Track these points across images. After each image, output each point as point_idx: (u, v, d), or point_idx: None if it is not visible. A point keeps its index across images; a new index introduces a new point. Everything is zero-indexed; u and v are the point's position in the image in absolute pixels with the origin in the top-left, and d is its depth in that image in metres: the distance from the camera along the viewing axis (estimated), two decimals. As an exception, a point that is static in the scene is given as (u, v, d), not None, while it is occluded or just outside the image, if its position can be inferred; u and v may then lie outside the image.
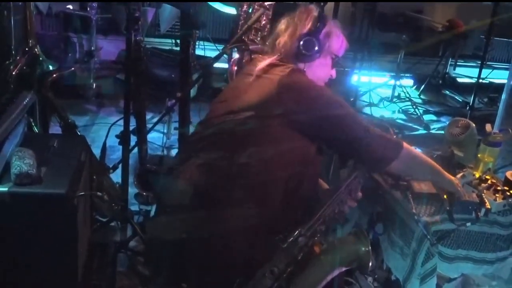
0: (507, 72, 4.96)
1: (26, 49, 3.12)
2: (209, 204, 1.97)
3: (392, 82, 6.22)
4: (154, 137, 4.28)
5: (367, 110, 5.77)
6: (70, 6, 5.12)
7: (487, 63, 6.30)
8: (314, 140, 2.06)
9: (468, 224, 2.17)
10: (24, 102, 2.78)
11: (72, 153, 2.48)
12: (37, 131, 3.03)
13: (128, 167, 2.90)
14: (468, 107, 5.63)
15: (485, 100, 6.43)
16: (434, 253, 2.16)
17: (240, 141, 1.98)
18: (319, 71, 2.20)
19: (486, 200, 2.20)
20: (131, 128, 2.89)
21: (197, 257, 1.98)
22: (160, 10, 5.15)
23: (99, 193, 2.67)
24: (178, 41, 5.85)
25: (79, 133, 3.23)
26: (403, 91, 6.23)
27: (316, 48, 2.12)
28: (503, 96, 4.79)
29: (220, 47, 5.38)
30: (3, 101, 2.73)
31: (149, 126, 3.28)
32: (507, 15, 5.70)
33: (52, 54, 4.67)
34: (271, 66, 2.12)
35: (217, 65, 2.97)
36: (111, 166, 3.21)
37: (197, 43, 5.35)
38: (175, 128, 3.87)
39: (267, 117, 1.97)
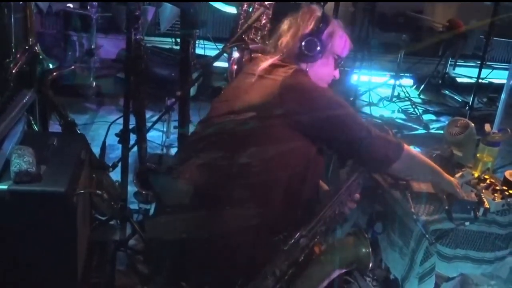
0: (506, 72, 4.97)
1: (26, 47, 3.12)
2: (209, 204, 1.97)
3: (392, 81, 6.23)
4: (154, 135, 4.28)
5: (366, 109, 5.78)
6: (70, 5, 5.12)
7: (487, 63, 6.31)
8: (315, 140, 2.06)
9: (467, 223, 2.18)
10: (24, 100, 2.79)
11: (71, 151, 2.48)
12: (36, 129, 3.03)
13: (128, 166, 2.90)
14: (467, 107, 5.63)
15: (485, 100, 6.44)
16: (433, 252, 2.17)
17: (241, 141, 1.98)
18: (321, 71, 2.19)
19: (485, 200, 2.21)
20: (130, 126, 2.89)
21: (197, 256, 1.98)
22: (160, 9, 5.14)
23: (98, 192, 2.67)
24: (178, 40, 5.87)
25: (78, 132, 3.23)
26: (402, 90, 6.24)
27: (318, 48, 2.12)
28: (503, 96, 4.79)
29: (220, 46, 5.37)
30: (3, 99, 2.73)
31: (148, 124, 3.29)
32: (507, 15, 5.72)
33: (52, 53, 4.68)
34: (273, 66, 2.11)
35: (217, 64, 2.97)
36: (110, 164, 3.21)
37: (197, 42, 5.35)
38: (174, 127, 3.87)
39: (268, 118, 1.97)
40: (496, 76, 6.78)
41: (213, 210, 1.96)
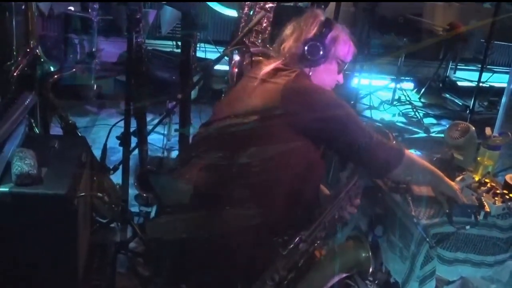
0: (507, 76, 4.98)
1: (28, 50, 3.13)
2: (210, 206, 1.98)
3: (392, 85, 6.23)
4: (154, 138, 4.29)
5: (367, 113, 5.78)
6: (72, 8, 5.13)
7: (488, 66, 6.31)
8: (317, 143, 2.06)
9: (467, 227, 2.18)
10: (26, 103, 2.79)
11: (72, 154, 2.49)
12: (37, 132, 3.03)
13: (129, 168, 2.91)
14: (468, 111, 5.64)
15: (485, 103, 6.44)
16: (433, 256, 2.17)
17: (244, 143, 1.98)
18: (324, 76, 2.19)
19: (486, 203, 2.21)
20: (131, 129, 2.89)
21: (197, 257, 1.99)
22: (161, 12, 5.16)
23: (99, 194, 2.67)
24: (179, 43, 5.88)
25: (79, 134, 3.24)
26: (403, 94, 6.24)
27: (321, 53, 2.12)
28: (503, 100, 4.80)
29: (221, 49, 5.39)
30: (4, 102, 2.74)
31: (149, 127, 3.29)
32: (508, 19, 5.73)
33: (53, 55, 4.68)
34: (276, 70, 2.12)
35: (217, 67, 2.97)
36: (111, 167, 3.22)
37: (198, 45, 5.36)
38: (175, 130, 3.88)
39: (271, 121, 1.97)
40: (496, 79, 6.79)
41: (215, 211, 1.96)
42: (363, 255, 2.07)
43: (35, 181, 2.17)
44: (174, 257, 2.05)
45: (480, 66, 5.58)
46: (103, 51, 5.38)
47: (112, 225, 3.09)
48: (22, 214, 2.16)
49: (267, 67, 2.14)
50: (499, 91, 5.61)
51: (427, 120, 5.91)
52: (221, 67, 4.63)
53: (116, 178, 3.16)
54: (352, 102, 5.47)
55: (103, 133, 4.22)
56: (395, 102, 6.19)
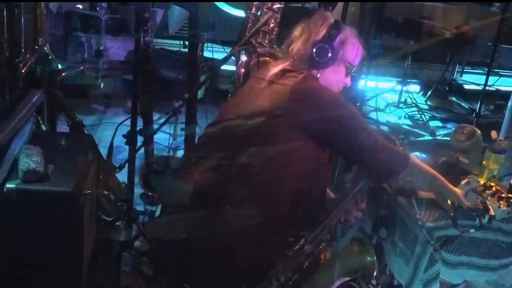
0: (514, 80, 4.97)
1: (36, 48, 3.15)
2: (215, 206, 1.98)
3: (398, 87, 6.23)
4: (160, 138, 4.30)
5: (373, 115, 5.77)
6: (80, 6, 5.15)
7: (494, 70, 6.30)
8: (324, 145, 2.06)
9: (472, 230, 2.18)
10: (33, 100, 2.81)
11: (79, 151, 2.50)
12: (44, 130, 3.05)
13: (135, 167, 2.91)
14: (474, 114, 5.63)
15: (492, 107, 6.42)
16: (437, 259, 2.17)
17: (251, 144, 1.98)
18: (332, 78, 2.19)
19: (490, 207, 2.21)
20: (137, 128, 2.90)
21: (200, 257, 1.99)
22: (168, 11, 5.16)
23: (105, 192, 2.68)
24: (186, 42, 5.89)
25: (86, 132, 3.25)
26: (409, 96, 6.23)
27: (330, 55, 2.12)
28: (510, 104, 4.77)
29: (228, 49, 5.39)
30: (12, 99, 2.75)
31: (155, 126, 3.30)
32: None
33: (60, 54, 4.70)
34: (284, 71, 2.12)
35: (224, 67, 2.97)
36: (117, 166, 3.22)
37: (205, 45, 5.37)
38: (181, 129, 3.89)
39: (278, 122, 1.98)
40: (503, 83, 6.77)
41: (219, 211, 1.97)
42: (368, 259, 2.08)
43: (42, 178, 2.19)
44: (177, 257, 2.05)
45: (486, 69, 5.57)
46: (110, 50, 5.40)
47: (117, 223, 3.09)
48: (28, 211, 2.17)
49: (275, 68, 2.14)
50: (505, 95, 5.60)
51: (433, 123, 5.89)
52: (228, 67, 4.65)
53: (122, 176, 3.17)
54: (358, 104, 5.46)
55: (109, 132, 4.23)
56: (401, 105, 6.18)
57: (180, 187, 2.09)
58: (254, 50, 2.62)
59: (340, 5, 3.91)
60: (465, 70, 7.12)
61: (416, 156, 2.50)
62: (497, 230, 2.26)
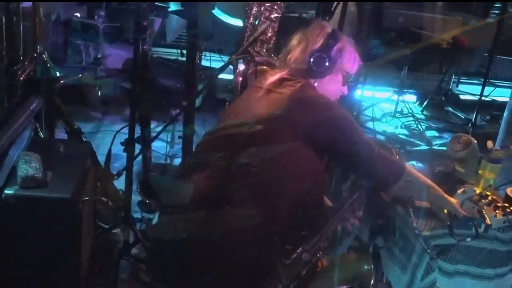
0: (509, 90, 5.00)
1: (34, 55, 3.16)
2: (215, 209, 1.98)
3: (395, 97, 6.25)
4: (158, 146, 4.30)
5: (370, 124, 5.79)
6: (78, 14, 5.17)
7: (490, 80, 6.33)
8: (321, 153, 2.07)
9: (468, 239, 2.19)
10: (32, 107, 2.81)
11: (78, 158, 2.51)
12: (42, 136, 3.06)
13: (132, 174, 2.93)
14: (470, 124, 5.65)
15: (488, 117, 6.45)
16: (434, 268, 2.18)
17: (249, 151, 1.99)
18: (329, 87, 2.20)
19: (487, 216, 2.22)
20: (135, 136, 2.91)
21: (202, 258, 1.99)
22: (166, 20, 5.19)
23: (103, 199, 2.69)
24: (184, 51, 5.91)
25: (84, 139, 3.26)
26: (406, 106, 6.26)
27: (327, 64, 2.14)
28: (505, 114, 4.81)
29: (226, 58, 5.42)
30: (11, 106, 2.76)
31: (152, 134, 3.30)
32: (511, 34, 5.75)
33: (58, 61, 4.71)
34: (281, 80, 2.13)
35: (222, 76, 3.00)
36: (114, 173, 3.23)
37: (203, 54, 5.39)
38: (179, 137, 3.89)
39: (276, 129, 1.99)
40: (499, 94, 6.81)
41: (219, 215, 1.97)
42: (365, 267, 2.09)
43: (40, 184, 2.19)
44: (175, 259, 2.05)
45: (482, 80, 5.60)
46: (108, 58, 5.42)
47: (115, 231, 3.10)
48: (27, 217, 2.17)
49: (273, 77, 2.15)
50: (501, 105, 5.63)
51: (429, 133, 5.92)
52: (225, 76, 4.67)
53: (119, 184, 3.18)
54: (354, 114, 5.49)
55: (107, 139, 4.24)
56: (397, 114, 6.21)
57: (178, 188, 2.10)
58: (252, 59, 2.64)
59: (337, 14, 3.94)
60: (461, 80, 7.16)
61: (413, 166, 2.52)
62: (493, 239, 2.27)
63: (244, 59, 2.79)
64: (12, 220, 2.16)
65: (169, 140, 4.40)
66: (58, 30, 5.18)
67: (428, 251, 2.13)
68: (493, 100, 6.63)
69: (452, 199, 2.26)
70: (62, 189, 2.21)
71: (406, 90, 6.43)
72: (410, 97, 6.73)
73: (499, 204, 2.34)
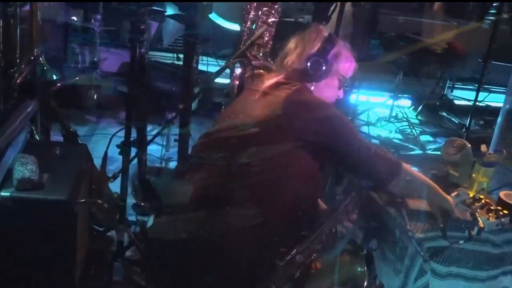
0: (503, 96, 5.03)
1: (31, 58, 3.17)
2: (213, 209, 2.00)
3: (390, 102, 6.28)
4: (153, 149, 4.31)
5: (364, 129, 5.81)
6: (74, 18, 5.17)
7: (484, 86, 6.36)
8: (317, 155, 2.09)
9: (461, 242, 2.21)
10: (28, 110, 2.82)
11: (74, 160, 2.52)
12: (38, 139, 3.06)
13: (128, 177, 2.93)
14: (464, 129, 5.67)
15: (481, 122, 6.48)
16: (427, 270, 2.19)
17: (245, 153, 2.01)
18: (325, 91, 2.23)
19: (479, 219, 2.24)
20: (131, 139, 2.92)
21: (198, 259, 2.00)
22: (163, 24, 5.20)
23: (99, 201, 2.70)
24: (180, 55, 5.92)
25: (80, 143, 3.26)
26: (400, 111, 6.28)
27: (324, 69, 2.16)
28: (499, 119, 4.84)
29: (222, 62, 5.43)
30: (7, 108, 2.77)
31: (148, 138, 3.31)
32: (505, 40, 5.78)
33: (54, 64, 4.71)
34: (278, 84, 2.15)
35: (217, 80, 3.02)
36: (110, 176, 3.24)
37: (200, 58, 5.40)
38: (175, 140, 3.91)
39: (272, 131, 2.01)
40: (493, 99, 6.84)
41: (214, 213, 1.98)
42: (359, 269, 2.10)
43: (36, 186, 2.20)
44: (175, 259, 2.06)
45: (477, 85, 5.62)
46: (103, 61, 5.42)
47: (109, 233, 3.10)
48: (23, 219, 2.18)
49: (269, 81, 2.18)
50: (495, 111, 5.66)
51: (424, 138, 5.94)
52: (221, 80, 4.68)
53: (114, 187, 3.18)
54: (349, 118, 5.50)
55: (102, 143, 4.24)
56: (392, 119, 6.23)
57: (178, 188, 2.11)
58: (249, 62, 2.65)
59: (334, 19, 3.95)
60: (455, 85, 7.19)
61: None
62: (486, 241, 2.29)
63: (241, 63, 2.80)
64: (8, 222, 2.17)
65: (164, 143, 4.41)
66: (55, 34, 5.18)
67: (422, 253, 2.14)
68: (487, 106, 6.66)
69: (448, 197, 2.28)
70: (58, 191, 2.22)
71: (401, 95, 6.45)
72: (405, 102, 6.75)
73: (492, 207, 2.35)
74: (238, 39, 4.06)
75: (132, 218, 3.29)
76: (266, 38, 3.43)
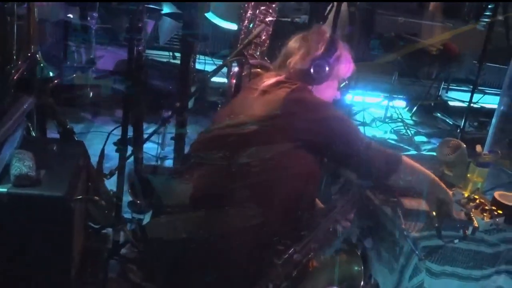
0: (497, 98, 5.06)
1: (28, 54, 3.17)
2: (211, 208, 2.01)
3: (385, 102, 6.30)
4: (148, 147, 4.30)
5: (360, 129, 5.81)
6: (71, 15, 5.17)
7: (479, 87, 6.39)
8: (317, 152, 2.10)
9: (456, 241, 2.22)
10: (24, 107, 2.82)
11: (70, 157, 2.52)
12: (34, 136, 3.06)
13: (124, 174, 2.93)
14: (458, 130, 5.70)
15: (476, 123, 6.51)
16: (422, 269, 2.21)
17: (244, 151, 2.01)
18: (325, 92, 2.25)
19: (474, 219, 2.25)
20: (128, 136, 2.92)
21: (195, 259, 2.01)
22: (160, 22, 5.21)
23: (96, 198, 2.70)
24: (176, 54, 5.92)
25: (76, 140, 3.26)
26: (395, 112, 6.30)
27: (327, 71, 2.17)
28: (493, 121, 4.87)
29: (218, 62, 5.44)
30: (3, 105, 2.77)
31: (144, 136, 3.32)
32: (500, 42, 5.81)
33: (51, 62, 4.71)
34: (278, 83, 2.16)
35: (213, 79, 3.03)
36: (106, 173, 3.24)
37: (197, 57, 5.41)
38: (171, 138, 3.91)
39: (272, 129, 2.01)
40: (487, 100, 6.87)
41: (217, 214, 1.99)
42: (355, 268, 2.12)
43: (34, 182, 2.21)
44: (171, 258, 2.07)
45: (471, 87, 5.64)
46: (101, 59, 5.42)
47: (105, 231, 3.10)
48: (19, 215, 2.18)
49: (270, 80, 2.18)
50: (489, 112, 5.69)
51: (418, 138, 5.96)
52: (217, 79, 4.69)
53: (110, 185, 3.19)
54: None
55: (98, 140, 4.24)
56: (387, 119, 6.26)
57: (176, 188, 2.12)
58: (246, 61, 2.66)
59: (331, 16, 3.96)
60: (450, 87, 7.22)
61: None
62: (480, 241, 2.30)
63: (239, 62, 2.81)
64: (5, 218, 2.17)
65: (160, 141, 4.41)
66: (52, 32, 5.17)
67: (417, 252, 2.15)
68: (482, 107, 6.69)
69: (448, 190, 2.29)
70: (55, 187, 2.22)
71: (396, 96, 6.47)
72: (400, 103, 6.78)
73: (486, 207, 2.37)
74: (235, 38, 4.07)
75: (127, 215, 3.30)
76: (264, 37, 3.43)
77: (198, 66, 5.52)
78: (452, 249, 2.26)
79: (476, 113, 6.47)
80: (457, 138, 4.87)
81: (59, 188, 2.22)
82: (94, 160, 3.22)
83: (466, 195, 2.45)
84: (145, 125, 3.75)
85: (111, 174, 2.96)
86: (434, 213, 2.26)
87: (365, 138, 2.14)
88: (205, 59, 5.69)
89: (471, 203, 2.38)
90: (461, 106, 6.69)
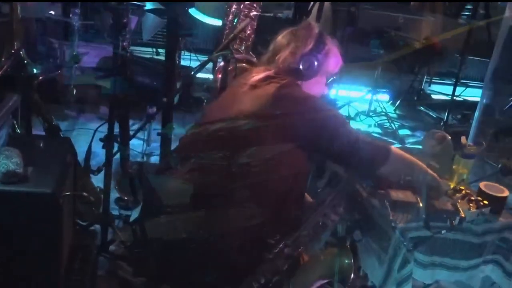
0: (480, 90, 5.11)
1: (12, 51, 3.14)
2: (199, 205, 2.01)
3: (368, 96, 6.33)
4: (134, 144, 4.29)
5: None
6: (53, 12, 5.13)
7: (461, 81, 6.45)
8: (308, 148, 2.11)
9: (443, 231, 2.25)
10: (10, 104, 2.80)
11: (58, 154, 2.50)
12: (19, 133, 3.04)
13: (111, 171, 2.93)
14: (442, 123, 5.75)
15: (459, 116, 6.57)
16: (410, 260, 2.23)
17: (235, 145, 2.02)
18: (314, 87, 2.26)
19: (461, 209, 2.28)
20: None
21: (190, 257, 2.01)
22: (143, 18, 5.18)
23: (84, 194, 2.69)
24: (159, 50, 5.91)
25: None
26: (379, 105, 6.34)
27: (316, 67, 2.18)
28: (476, 114, 4.92)
29: (202, 58, 5.43)
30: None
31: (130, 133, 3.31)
32: (482, 35, 5.87)
33: (33, 59, 4.67)
34: (267, 78, 2.16)
35: (198, 75, 3.02)
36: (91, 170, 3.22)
37: (183, 53, 5.40)
38: (158, 134, 3.91)
39: (262, 124, 2.02)
40: (470, 93, 6.94)
41: (210, 211, 1.99)
42: (346, 261, 2.13)
43: (21, 179, 2.19)
44: (164, 257, 2.07)
45: (454, 80, 5.69)
46: (84, 56, 5.39)
47: (93, 228, 3.09)
48: (8, 212, 2.16)
49: (259, 75, 2.18)
50: (472, 105, 5.75)
51: (402, 131, 6.01)
52: (201, 75, 4.69)
53: (97, 181, 3.18)
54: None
55: (83, 138, 4.22)
56: (371, 113, 6.29)
57: (173, 185, 2.12)
58: (231, 56, 2.67)
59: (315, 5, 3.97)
60: (433, 80, 7.28)
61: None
62: (467, 231, 2.33)
63: (224, 56, 2.82)
64: (-7, 215, 2.15)
65: (145, 138, 4.41)
66: (34, 29, 5.13)
67: (405, 243, 2.18)
68: (464, 100, 6.76)
69: (436, 175, 2.32)
70: (43, 184, 2.20)
71: (379, 90, 6.51)
72: (383, 97, 6.82)
73: (472, 198, 2.39)
74: (220, 34, 4.07)
75: (115, 212, 3.30)
76: (248, 32, 3.44)
77: (183, 63, 5.52)
78: (440, 240, 2.29)
79: (459, 106, 6.53)
80: (441, 131, 4.93)
81: (47, 184, 2.20)
82: (80, 157, 3.21)
83: (452, 186, 2.48)
84: (130, 122, 3.74)
85: (99, 170, 2.95)
86: (421, 204, 2.28)
87: (355, 131, 2.15)
88: (190, 55, 5.68)
89: (457, 194, 2.41)
90: (444, 99, 6.75)
